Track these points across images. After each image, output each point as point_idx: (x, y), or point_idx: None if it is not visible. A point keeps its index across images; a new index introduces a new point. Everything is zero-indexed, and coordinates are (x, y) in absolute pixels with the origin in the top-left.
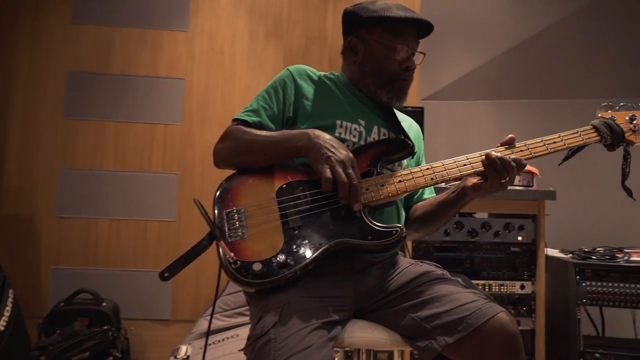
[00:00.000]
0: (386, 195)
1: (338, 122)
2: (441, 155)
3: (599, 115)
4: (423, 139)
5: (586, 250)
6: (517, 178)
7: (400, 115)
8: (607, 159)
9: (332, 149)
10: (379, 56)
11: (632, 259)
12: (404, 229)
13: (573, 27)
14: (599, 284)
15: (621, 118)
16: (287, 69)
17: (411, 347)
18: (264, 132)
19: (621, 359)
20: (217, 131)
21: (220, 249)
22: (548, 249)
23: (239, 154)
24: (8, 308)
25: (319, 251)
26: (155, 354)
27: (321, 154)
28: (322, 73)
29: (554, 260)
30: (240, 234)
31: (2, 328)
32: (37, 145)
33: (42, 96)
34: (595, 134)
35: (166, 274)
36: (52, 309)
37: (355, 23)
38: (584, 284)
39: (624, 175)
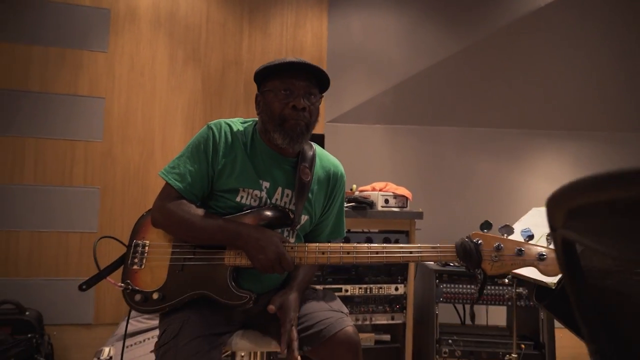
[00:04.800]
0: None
1: (241, 189)
2: (343, 167)
3: (472, 233)
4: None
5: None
6: (394, 201)
7: (320, 159)
8: (468, 181)
9: (261, 252)
10: (269, 101)
11: None
12: (254, 297)
13: (452, 66)
14: (452, 286)
15: (489, 244)
16: (211, 129)
17: None
18: (201, 220)
19: (467, 342)
20: (137, 148)
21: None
22: None
23: (178, 234)
24: None
25: (185, 296)
26: (79, 355)
27: (254, 254)
28: (240, 128)
29: (422, 267)
30: (138, 263)
31: None
32: None
33: None
34: (453, 255)
35: (84, 287)
36: None
37: (258, 81)
38: (442, 286)
39: (474, 299)
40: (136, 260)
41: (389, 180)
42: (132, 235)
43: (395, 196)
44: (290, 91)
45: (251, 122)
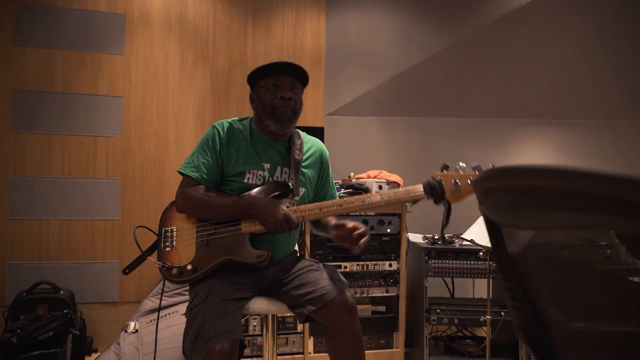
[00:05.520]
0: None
1: (247, 172)
2: (342, 157)
3: (436, 173)
4: (328, 156)
5: (435, 237)
6: (387, 187)
7: (307, 143)
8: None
9: (271, 215)
10: (262, 95)
11: (464, 243)
12: (270, 254)
13: (442, 61)
14: (439, 261)
15: (448, 180)
16: (215, 128)
17: (292, 312)
18: (217, 198)
19: (454, 312)
20: (153, 142)
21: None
22: (411, 234)
23: (200, 214)
24: None
25: (213, 264)
26: (107, 330)
27: (265, 219)
28: (239, 123)
29: (413, 245)
30: (170, 245)
31: None
32: None
33: None
34: (422, 193)
35: (127, 271)
36: (15, 299)
37: (250, 82)
38: (430, 262)
39: (443, 225)
40: (167, 243)
41: (384, 169)
42: (160, 224)
43: (388, 182)
44: (278, 85)
45: (247, 118)
